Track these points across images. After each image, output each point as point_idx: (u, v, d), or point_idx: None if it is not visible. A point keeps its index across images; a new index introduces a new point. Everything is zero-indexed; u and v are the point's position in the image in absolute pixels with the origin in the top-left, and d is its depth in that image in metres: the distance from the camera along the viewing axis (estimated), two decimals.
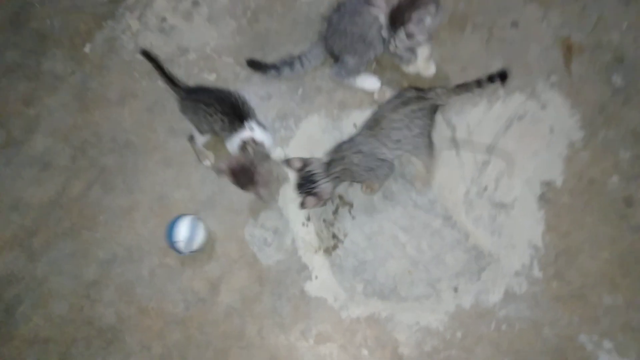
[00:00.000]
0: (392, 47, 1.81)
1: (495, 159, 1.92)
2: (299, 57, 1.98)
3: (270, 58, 2.13)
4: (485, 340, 1.75)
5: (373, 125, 1.72)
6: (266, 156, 1.80)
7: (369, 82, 2.00)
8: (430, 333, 1.77)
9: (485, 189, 1.89)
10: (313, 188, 1.67)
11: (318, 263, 1.87)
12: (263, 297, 1.85)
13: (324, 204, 1.83)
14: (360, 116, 2.00)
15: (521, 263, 1.81)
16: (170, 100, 2.10)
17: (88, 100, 2.15)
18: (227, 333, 1.80)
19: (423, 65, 1.94)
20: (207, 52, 2.17)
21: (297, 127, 2.04)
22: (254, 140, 1.75)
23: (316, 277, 1.85)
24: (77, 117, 2.13)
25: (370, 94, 2.02)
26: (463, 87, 1.70)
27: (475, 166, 1.91)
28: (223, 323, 1.82)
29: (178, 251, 1.82)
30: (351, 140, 1.74)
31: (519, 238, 1.84)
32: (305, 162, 1.70)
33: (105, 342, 1.81)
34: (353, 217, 1.90)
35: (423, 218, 1.88)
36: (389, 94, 1.96)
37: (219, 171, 1.73)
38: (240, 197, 1.96)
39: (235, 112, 1.78)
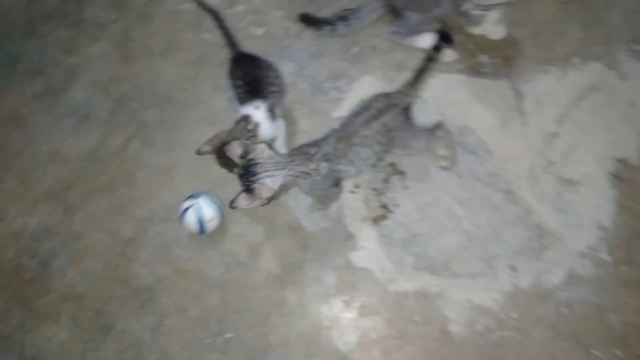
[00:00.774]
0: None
1: (565, 132, 1.76)
2: (356, 11, 1.83)
3: (323, 13, 1.99)
4: (543, 323, 1.63)
5: (344, 139, 1.48)
6: (254, 138, 1.61)
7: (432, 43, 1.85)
8: (483, 312, 1.65)
9: (552, 163, 1.75)
10: (252, 182, 1.39)
11: (365, 233, 1.76)
12: (306, 265, 1.76)
13: (265, 203, 1.43)
14: None
15: (587, 244, 1.67)
16: (216, 54, 2.00)
17: (130, 51, 2.06)
18: (267, 299, 1.72)
19: (492, 27, 1.78)
20: (256, 4, 2.04)
21: (349, 89, 1.91)
22: (250, 119, 1.61)
23: (363, 248, 1.75)
24: (118, 68, 2.04)
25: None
26: (420, 73, 1.56)
27: (543, 138, 1.76)
28: (263, 289, 1.73)
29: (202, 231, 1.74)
30: (318, 145, 1.50)
31: (586, 217, 1.69)
32: (247, 149, 1.42)
33: (140, 302, 1.75)
34: (405, 187, 1.79)
35: (482, 191, 1.74)
36: (452, 57, 1.82)
37: (200, 152, 1.56)
38: None
39: (254, 87, 1.66)
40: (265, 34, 2.01)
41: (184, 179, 1.87)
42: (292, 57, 1.98)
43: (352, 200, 1.80)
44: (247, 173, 1.40)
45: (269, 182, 1.39)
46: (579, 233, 1.69)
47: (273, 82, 1.71)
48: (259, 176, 1.38)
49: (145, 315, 1.74)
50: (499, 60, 1.89)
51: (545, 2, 1.87)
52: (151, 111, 1.97)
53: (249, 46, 2.00)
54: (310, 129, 1.89)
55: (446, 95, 1.85)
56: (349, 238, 1.76)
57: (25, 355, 1.72)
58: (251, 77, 1.69)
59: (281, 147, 1.82)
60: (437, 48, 1.57)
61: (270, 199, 1.42)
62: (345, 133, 1.49)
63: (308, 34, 1.96)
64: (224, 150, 1.48)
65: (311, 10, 1.92)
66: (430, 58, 1.57)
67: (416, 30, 1.79)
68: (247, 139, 1.56)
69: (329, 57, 1.94)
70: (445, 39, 1.56)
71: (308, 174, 1.46)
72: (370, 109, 1.51)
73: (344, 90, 1.91)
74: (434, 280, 1.69)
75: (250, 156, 1.40)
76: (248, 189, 1.38)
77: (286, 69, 1.96)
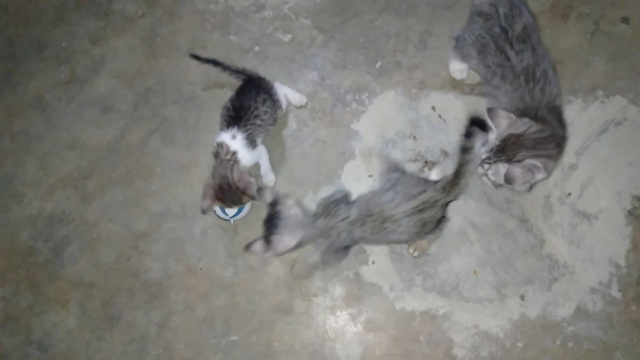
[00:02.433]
0: (480, 171, 1.54)
1: (584, 164, 1.76)
2: None
3: (350, 25, 2.00)
4: (548, 355, 1.62)
5: (378, 219, 1.42)
6: (236, 164, 1.61)
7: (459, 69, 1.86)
8: (489, 338, 1.65)
9: (569, 195, 1.74)
10: (271, 233, 1.41)
11: (376, 248, 1.76)
12: (315, 275, 1.76)
13: (279, 256, 1.47)
14: (440, 99, 1.88)
15: (599, 280, 1.67)
16: (240, 57, 2.01)
17: (156, 47, 2.07)
18: (274, 306, 1.73)
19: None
20: (284, 10, 2.05)
21: (370, 103, 1.91)
22: (226, 146, 1.61)
23: (373, 263, 1.75)
24: (143, 63, 2.06)
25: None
26: (460, 169, 1.37)
27: (561, 169, 1.76)
28: (271, 295, 1.74)
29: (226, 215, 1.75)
30: (347, 209, 1.46)
31: (599, 252, 1.69)
32: (277, 199, 1.45)
33: (149, 296, 1.77)
34: None
35: (496, 217, 1.74)
36: (475, 79, 1.82)
37: (204, 210, 1.60)
38: (302, 169, 1.87)
39: (237, 115, 1.65)
40: (291, 40, 2.01)
41: (201, 178, 1.86)
42: (317, 66, 1.98)
43: None
44: (270, 222, 1.44)
45: (286, 239, 1.41)
46: (591, 268, 1.69)
47: (260, 115, 1.68)
48: (279, 230, 1.41)
49: (152, 309, 1.75)
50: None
51: (573, 32, 1.87)
52: (173, 108, 1.98)
53: (274, 52, 2.02)
54: (328, 139, 1.89)
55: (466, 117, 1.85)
56: (360, 252, 1.76)
57: (31, 338, 1.74)
58: (239, 104, 1.67)
59: (267, 173, 1.81)
60: (468, 135, 1.32)
61: (283, 254, 1.45)
62: (379, 211, 1.42)
63: (333, 44, 1.97)
64: (222, 194, 1.57)
65: (337, 21, 1.93)
66: (465, 149, 1.33)
67: (462, 56, 1.76)
68: (230, 168, 1.58)
69: (352, 69, 1.95)
70: (477, 124, 1.31)
71: (329, 236, 1.46)
72: (415, 200, 1.41)
73: (366, 103, 1.91)
74: (442, 302, 1.70)
75: (277, 207, 1.43)
76: (266, 239, 1.42)
77: (310, 77, 1.97)
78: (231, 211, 1.72)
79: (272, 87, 1.79)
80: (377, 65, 1.95)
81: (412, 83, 1.91)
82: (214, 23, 2.06)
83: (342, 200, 1.52)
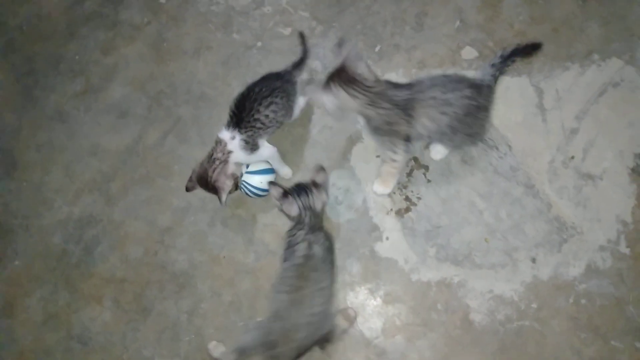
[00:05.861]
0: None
1: (585, 127, 1.81)
2: None
3: (347, 13, 2.07)
4: (563, 314, 1.68)
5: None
6: (224, 164, 1.69)
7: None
8: (504, 302, 1.72)
9: (572, 158, 1.79)
10: (292, 193, 1.60)
11: (389, 225, 1.84)
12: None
13: (280, 210, 1.65)
14: None
15: (607, 238, 1.72)
16: (245, 54, 2.09)
17: (164, 51, 2.17)
18: None
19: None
20: (282, 5, 2.13)
21: None
22: (224, 145, 1.67)
23: (387, 239, 1.83)
24: (153, 68, 2.16)
25: (453, 52, 1.94)
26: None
27: (563, 134, 1.81)
28: None
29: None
30: (306, 248, 1.59)
31: (606, 212, 1.74)
32: (320, 183, 1.63)
33: (177, 286, 1.87)
34: (428, 181, 1.86)
35: (503, 185, 1.80)
36: (473, 54, 1.88)
37: (188, 189, 1.76)
38: (313, 155, 1.95)
39: (239, 115, 1.67)
40: (292, 33, 2.09)
41: None
42: (318, 56, 2.06)
43: None
44: (301, 188, 1.61)
45: (294, 208, 1.60)
46: (598, 227, 1.74)
47: (260, 119, 1.69)
48: (299, 198, 1.59)
49: (181, 299, 1.85)
50: (518, 57, 1.93)
51: (565, 0, 1.91)
52: (185, 108, 2.08)
53: (277, 46, 2.10)
54: (335, 125, 1.97)
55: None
56: (374, 229, 1.84)
57: (72, 333, 1.86)
58: (241, 104, 1.68)
59: (281, 169, 1.88)
60: None
61: (284, 214, 1.65)
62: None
63: (332, 34, 2.04)
64: (201, 183, 1.71)
65: (334, 11, 2.00)
66: None
67: None
68: (214, 168, 1.68)
69: None
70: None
71: (301, 229, 1.62)
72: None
73: None
74: (456, 271, 1.76)
75: (315, 188, 1.61)
76: (285, 194, 1.60)
77: (313, 67, 2.05)
78: (260, 182, 1.80)
79: (293, 94, 1.81)
80: (377, 49, 2.02)
81: (412, 64, 1.98)
82: (217, 23, 2.15)
83: (330, 243, 1.66)
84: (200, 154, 1.99)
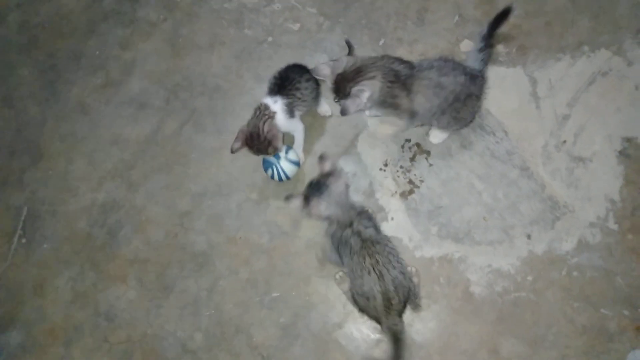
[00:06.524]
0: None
1: (576, 113, 1.94)
2: None
3: (352, 9, 2.20)
4: (556, 285, 1.82)
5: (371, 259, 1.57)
6: (270, 120, 1.80)
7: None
8: (502, 275, 1.85)
9: (564, 142, 1.93)
10: (313, 195, 1.56)
11: (394, 206, 1.97)
12: None
13: (309, 216, 1.62)
14: None
15: (596, 215, 1.85)
16: (256, 48, 2.22)
17: (179, 46, 2.30)
18: (308, 264, 1.95)
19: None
20: (291, 2, 2.25)
21: None
22: (267, 106, 1.82)
23: (392, 219, 1.96)
24: (170, 62, 2.28)
25: (452, 44, 2.06)
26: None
27: (555, 120, 1.95)
28: (304, 254, 1.96)
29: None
30: (367, 230, 1.59)
31: (595, 191, 1.87)
32: (334, 172, 1.60)
33: (197, 266, 2.00)
34: (430, 164, 1.99)
35: (500, 168, 1.94)
36: (471, 47, 2.01)
37: (233, 150, 1.81)
38: (321, 142, 2.07)
39: (282, 83, 1.86)
40: (301, 29, 2.22)
41: (231, 159, 2.09)
42: (326, 50, 2.19)
43: (382, 177, 2.01)
44: (317, 186, 1.59)
45: (323, 207, 1.56)
46: (588, 205, 1.87)
47: (300, 89, 1.89)
48: (322, 196, 1.56)
49: (201, 277, 1.98)
50: (514, 49, 2.07)
51: None
52: (201, 99, 2.20)
53: (286, 40, 2.22)
54: (341, 118, 2.09)
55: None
56: (380, 210, 1.97)
57: (99, 310, 1.98)
58: (285, 75, 1.88)
59: (298, 147, 2.01)
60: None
61: (313, 218, 1.61)
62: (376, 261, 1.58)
63: (339, 29, 2.17)
64: (251, 141, 1.77)
65: (340, 7, 2.13)
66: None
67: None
68: (264, 120, 1.78)
69: (358, 48, 2.12)
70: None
71: (342, 229, 1.60)
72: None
73: None
74: (456, 247, 1.90)
75: (330, 178, 1.57)
76: (307, 198, 1.58)
77: (320, 60, 2.17)
78: (291, 170, 1.94)
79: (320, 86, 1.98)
80: (381, 42, 2.15)
81: (414, 56, 2.10)
82: (229, 20, 2.28)
83: (373, 221, 1.65)
84: (216, 143, 2.13)
